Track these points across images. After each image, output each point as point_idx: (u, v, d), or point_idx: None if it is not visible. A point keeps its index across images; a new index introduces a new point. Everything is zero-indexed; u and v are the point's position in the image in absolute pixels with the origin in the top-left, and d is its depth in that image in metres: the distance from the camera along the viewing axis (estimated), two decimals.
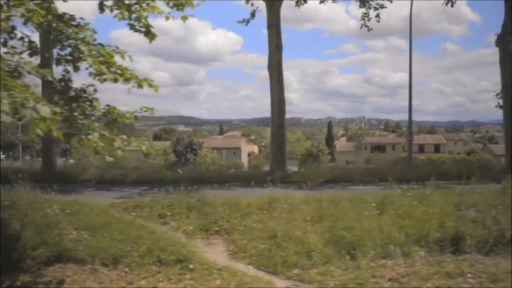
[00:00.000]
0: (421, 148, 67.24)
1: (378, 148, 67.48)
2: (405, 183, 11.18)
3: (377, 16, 18.56)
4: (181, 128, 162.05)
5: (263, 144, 70.55)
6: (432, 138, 75.05)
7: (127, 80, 6.56)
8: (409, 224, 8.34)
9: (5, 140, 47.05)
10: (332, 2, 18.53)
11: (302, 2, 19.15)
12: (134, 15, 7.84)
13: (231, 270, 7.32)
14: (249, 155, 73.24)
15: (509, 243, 7.99)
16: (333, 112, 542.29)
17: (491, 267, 7.39)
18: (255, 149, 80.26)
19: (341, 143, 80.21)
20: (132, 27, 7.69)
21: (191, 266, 7.33)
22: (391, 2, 18.25)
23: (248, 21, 18.75)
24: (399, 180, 12.11)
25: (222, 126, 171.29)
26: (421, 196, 9.33)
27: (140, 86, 6.64)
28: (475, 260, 7.65)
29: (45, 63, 8.18)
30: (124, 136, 6.92)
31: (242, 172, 17.68)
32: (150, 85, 6.72)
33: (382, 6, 18.36)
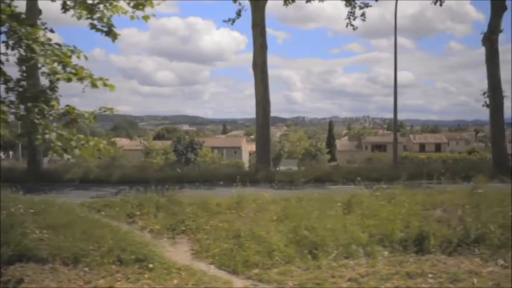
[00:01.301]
0: (422, 147, 67.08)
1: (379, 147, 67.05)
2: (388, 182, 11.19)
3: (363, 15, 18.54)
4: (185, 127, 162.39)
5: None
6: (433, 138, 74.67)
7: (80, 79, 6.56)
8: (374, 224, 8.30)
9: (5, 139, 47.29)
10: (319, 2, 18.47)
11: (290, 1, 19.12)
12: (97, 15, 7.87)
13: (190, 270, 7.31)
14: (250, 154, 73.18)
15: (474, 243, 7.93)
16: (338, 111, 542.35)
17: (452, 267, 7.33)
18: None
19: (342, 143, 80.00)
20: (93, 26, 7.68)
21: (150, 265, 7.33)
22: (376, 0, 18.20)
23: (234, 20, 18.76)
24: (380, 180, 12.10)
25: (226, 126, 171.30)
26: (390, 196, 9.28)
27: (94, 85, 6.64)
28: (438, 260, 7.59)
29: None
30: (82, 136, 6.98)
31: (226, 171, 17.58)
32: (105, 84, 6.72)
33: (367, 5, 18.34)
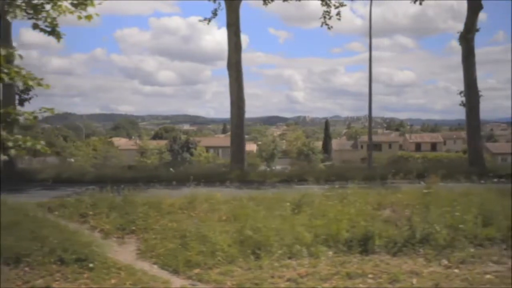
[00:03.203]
0: (418, 147, 67.15)
1: (375, 146, 67.08)
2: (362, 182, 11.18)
3: (338, 14, 18.52)
4: (186, 127, 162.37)
5: (260, 142, 70.64)
6: (429, 137, 74.73)
7: (12, 79, 6.56)
8: (321, 224, 8.27)
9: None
10: (296, 1, 18.43)
11: (270, 0, 19.08)
12: (43, 15, 7.88)
13: (131, 270, 7.29)
14: (247, 153, 72.94)
15: (419, 243, 7.90)
16: (339, 111, 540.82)
17: (394, 268, 7.28)
18: (254, 147, 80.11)
19: (338, 142, 79.99)
20: (36, 26, 7.68)
21: (91, 265, 7.31)
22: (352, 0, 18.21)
23: (209, 20, 18.70)
24: (352, 179, 12.06)
25: (226, 125, 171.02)
26: (342, 196, 9.25)
27: (27, 84, 6.65)
28: (381, 260, 7.55)
29: None
30: (20, 136, 7.00)
31: (202, 171, 17.55)
32: (39, 84, 6.72)
33: (342, 4, 18.30)
